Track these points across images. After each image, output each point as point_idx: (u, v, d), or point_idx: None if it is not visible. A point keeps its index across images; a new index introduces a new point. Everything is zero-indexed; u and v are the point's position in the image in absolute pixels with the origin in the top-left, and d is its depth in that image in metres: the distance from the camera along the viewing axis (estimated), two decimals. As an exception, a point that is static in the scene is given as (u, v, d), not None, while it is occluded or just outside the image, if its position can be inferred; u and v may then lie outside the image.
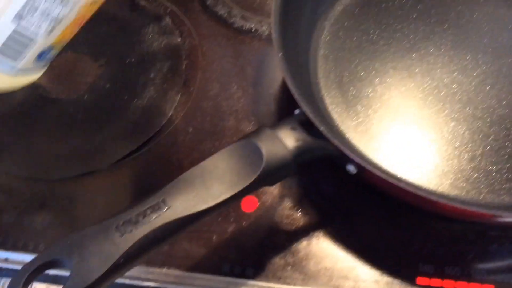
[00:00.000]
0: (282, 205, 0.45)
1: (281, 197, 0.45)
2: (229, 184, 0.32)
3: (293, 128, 0.35)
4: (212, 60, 0.53)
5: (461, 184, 0.43)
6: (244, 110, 0.49)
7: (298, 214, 0.44)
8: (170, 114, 0.49)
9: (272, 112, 0.49)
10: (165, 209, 0.30)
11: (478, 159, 0.44)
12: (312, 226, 0.44)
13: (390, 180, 0.35)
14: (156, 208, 0.30)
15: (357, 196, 0.45)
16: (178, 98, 0.50)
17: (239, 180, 0.32)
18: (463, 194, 0.42)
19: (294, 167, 0.35)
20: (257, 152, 0.33)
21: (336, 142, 0.36)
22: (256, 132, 0.34)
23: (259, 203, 0.45)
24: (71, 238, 0.30)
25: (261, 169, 0.32)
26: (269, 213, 0.44)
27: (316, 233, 0.43)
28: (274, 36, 0.42)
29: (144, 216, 0.30)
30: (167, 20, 0.55)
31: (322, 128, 0.36)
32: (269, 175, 0.33)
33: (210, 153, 0.36)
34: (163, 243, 0.31)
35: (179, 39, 0.54)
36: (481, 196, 0.42)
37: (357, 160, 0.36)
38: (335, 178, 0.46)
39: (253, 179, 0.32)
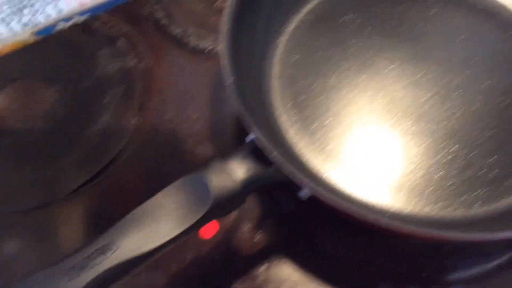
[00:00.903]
0: (242, 229, 0.45)
1: (241, 220, 0.45)
2: (178, 221, 0.32)
3: (243, 158, 0.35)
4: (168, 82, 0.52)
5: (416, 199, 0.43)
6: (202, 133, 0.49)
7: (258, 237, 0.44)
8: (126, 140, 0.49)
9: (230, 134, 0.49)
10: (113, 251, 0.30)
11: (432, 173, 0.44)
12: (272, 249, 0.44)
13: (340, 207, 0.35)
14: (103, 250, 0.30)
15: (317, 216, 0.45)
16: (134, 123, 0.50)
17: (188, 216, 0.32)
18: (417, 210, 0.42)
19: (245, 198, 0.35)
20: (206, 186, 0.33)
21: (286, 169, 0.36)
22: (205, 165, 0.34)
23: (218, 228, 0.45)
24: (18, 286, 0.29)
25: (209, 204, 0.32)
26: (229, 238, 0.44)
27: (276, 256, 0.43)
28: (224, 61, 0.42)
29: (91, 260, 0.30)
30: (121, 42, 0.54)
31: (273, 155, 0.36)
32: (219, 208, 0.33)
33: (168, 178, 0.36)
34: (114, 283, 0.31)
35: (133, 62, 0.53)
36: (434, 212, 0.42)
37: (308, 187, 0.36)
38: (295, 198, 0.46)
39: (202, 214, 0.32)
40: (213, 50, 0.54)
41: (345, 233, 0.44)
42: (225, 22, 0.44)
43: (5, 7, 0.28)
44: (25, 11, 0.29)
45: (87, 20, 0.56)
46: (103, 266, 0.30)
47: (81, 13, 0.30)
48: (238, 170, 0.35)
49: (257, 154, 0.37)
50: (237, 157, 0.35)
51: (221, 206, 0.33)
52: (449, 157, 0.45)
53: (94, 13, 0.32)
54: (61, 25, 0.30)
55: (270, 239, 0.44)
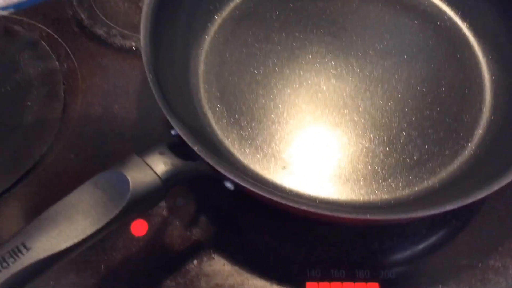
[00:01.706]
0: (173, 225, 0.44)
1: (172, 216, 0.45)
2: (95, 217, 0.31)
3: (161, 153, 0.35)
4: (93, 82, 0.51)
5: (341, 186, 0.44)
6: (128, 133, 0.49)
7: (188, 233, 0.44)
8: (50, 142, 0.48)
9: (157, 133, 0.48)
10: (25, 252, 0.29)
11: (356, 161, 0.45)
12: (204, 244, 0.44)
13: (262, 193, 0.35)
14: (15, 251, 0.29)
15: (247, 209, 0.45)
16: (58, 125, 0.48)
17: (105, 213, 0.31)
18: (343, 197, 0.43)
19: (166, 192, 0.34)
20: (123, 182, 0.32)
21: (208, 160, 0.36)
22: (123, 160, 0.34)
23: (149, 225, 0.44)
24: None
25: (127, 199, 0.32)
26: (160, 235, 0.44)
27: (207, 251, 0.43)
28: (145, 58, 0.41)
29: (3, 261, 0.29)
30: (43, 44, 0.53)
31: (194, 146, 0.36)
32: (138, 203, 0.33)
33: None
34: (28, 284, 0.30)
35: (56, 63, 0.52)
36: (361, 198, 0.43)
37: (231, 176, 0.36)
38: (225, 193, 0.46)
39: (119, 210, 0.31)
40: (138, 50, 0.53)
41: (273, 224, 0.44)
42: (144, 20, 0.44)
43: None
44: None
45: (7, 24, 0.54)
46: (14, 268, 0.29)
47: (3, 8, 0.29)
48: (158, 164, 0.34)
49: (179, 148, 0.37)
50: (157, 151, 0.35)
51: (140, 201, 0.33)
52: (372, 145, 0.46)
53: (16, 9, 0.31)
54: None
55: (202, 234, 0.44)
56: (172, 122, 0.37)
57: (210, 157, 0.36)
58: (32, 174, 0.46)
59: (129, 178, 0.32)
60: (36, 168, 0.46)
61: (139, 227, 0.44)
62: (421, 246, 0.44)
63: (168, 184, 0.34)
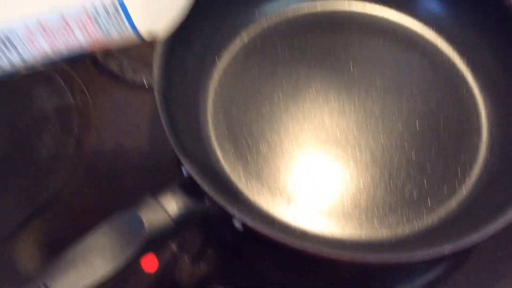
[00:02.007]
0: (182, 260, 0.46)
1: (181, 251, 0.46)
2: (111, 258, 0.33)
3: (173, 193, 0.37)
4: (106, 117, 0.53)
5: (344, 223, 0.46)
6: (140, 167, 0.50)
7: (198, 269, 0.45)
8: (65, 177, 0.50)
9: (168, 168, 0.50)
10: (46, 293, 0.31)
11: (358, 197, 0.47)
12: (213, 278, 0.45)
13: (273, 237, 0.37)
14: (36, 293, 0.31)
15: (256, 244, 0.47)
16: (72, 160, 0.50)
17: (120, 254, 0.33)
18: (346, 234, 0.45)
19: (179, 232, 0.36)
20: (138, 223, 0.34)
21: (218, 202, 0.38)
22: (138, 201, 0.36)
23: (159, 261, 0.46)
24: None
25: (142, 240, 0.34)
26: (170, 270, 0.46)
27: (217, 285, 0.45)
28: (158, 98, 0.44)
29: (26, 301, 0.31)
30: (58, 79, 0.55)
31: (205, 188, 0.38)
32: (151, 243, 0.35)
33: (107, 213, 0.37)
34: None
35: (70, 98, 0.54)
36: (362, 235, 0.45)
37: (239, 218, 0.38)
38: (234, 228, 0.48)
39: (134, 250, 0.33)
40: (149, 84, 0.56)
41: (279, 258, 0.46)
42: (157, 60, 0.46)
43: None
44: None
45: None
46: (36, 308, 0.30)
47: (44, 63, 0.31)
48: (171, 205, 0.36)
49: (191, 188, 0.39)
50: (171, 192, 0.37)
51: (154, 242, 0.35)
52: (373, 181, 0.48)
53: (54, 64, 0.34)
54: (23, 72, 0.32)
55: (211, 269, 0.46)
56: (185, 163, 0.39)
57: (222, 199, 0.38)
58: (47, 209, 0.48)
59: (144, 220, 0.34)
60: (51, 202, 0.48)
61: (149, 263, 0.46)
62: (420, 283, 0.46)
63: (179, 225, 0.36)
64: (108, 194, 0.49)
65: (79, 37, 0.30)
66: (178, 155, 0.40)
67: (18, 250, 0.47)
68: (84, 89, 0.55)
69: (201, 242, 0.47)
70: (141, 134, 0.52)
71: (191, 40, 0.51)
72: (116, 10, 0.30)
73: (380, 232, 0.46)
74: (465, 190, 0.47)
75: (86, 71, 0.56)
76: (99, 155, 0.51)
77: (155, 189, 0.38)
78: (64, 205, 0.48)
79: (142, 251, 0.34)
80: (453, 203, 0.47)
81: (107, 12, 0.29)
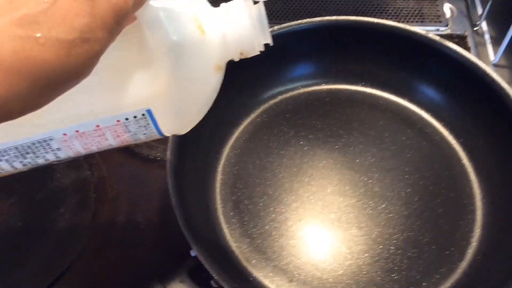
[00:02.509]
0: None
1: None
2: None
3: (181, 281, 0.40)
4: (120, 191, 0.57)
5: (344, 302, 0.48)
6: (151, 241, 0.53)
7: None
8: (80, 249, 0.52)
9: (177, 242, 0.53)
10: None
11: (357, 277, 0.49)
12: None
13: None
14: None
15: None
16: (87, 233, 0.53)
17: None
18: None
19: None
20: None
21: (224, 286, 0.40)
22: (148, 289, 0.39)
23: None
24: None
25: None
26: None
27: None
28: (170, 181, 0.47)
29: None
30: (77, 153, 0.59)
31: (212, 272, 0.41)
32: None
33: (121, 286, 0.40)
34: None
35: (88, 172, 0.58)
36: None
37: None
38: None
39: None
40: (162, 160, 0.59)
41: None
42: (171, 139, 0.49)
43: (11, 152, 0.33)
44: (28, 156, 0.33)
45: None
46: None
47: (75, 158, 0.35)
48: (179, 293, 0.39)
49: (197, 271, 0.42)
50: (178, 280, 0.40)
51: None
52: (371, 261, 0.50)
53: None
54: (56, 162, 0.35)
55: None
56: (194, 248, 0.42)
57: (226, 284, 0.41)
58: (62, 280, 0.50)
59: (154, 309, 0.37)
60: (66, 274, 0.51)
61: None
62: None
63: (188, 312, 0.39)
64: (120, 267, 0.51)
65: (110, 140, 0.33)
66: (189, 240, 0.43)
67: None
68: (101, 163, 0.58)
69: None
70: (153, 208, 0.56)
71: (203, 123, 0.55)
72: (145, 119, 0.33)
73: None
74: (460, 270, 0.50)
75: (103, 145, 0.60)
76: (112, 228, 0.54)
77: (164, 275, 0.40)
78: (79, 276, 0.51)
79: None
80: (448, 283, 0.49)
81: (136, 120, 0.33)
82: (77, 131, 0.32)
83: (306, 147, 0.58)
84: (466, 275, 0.49)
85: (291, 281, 0.49)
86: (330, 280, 0.49)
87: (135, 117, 0.32)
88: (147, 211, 0.55)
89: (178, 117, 0.34)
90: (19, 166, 0.34)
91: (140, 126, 0.33)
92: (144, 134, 0.34)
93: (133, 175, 0.58)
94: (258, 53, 0.33)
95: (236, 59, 0.34)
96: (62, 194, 0.56)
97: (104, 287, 0.50)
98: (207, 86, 0.34)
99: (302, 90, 0.62)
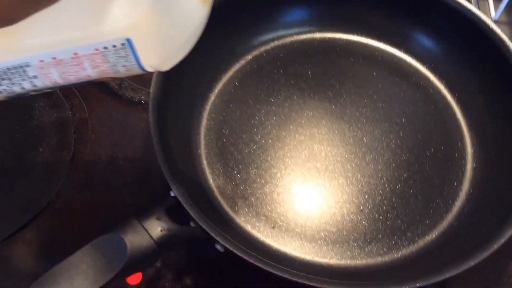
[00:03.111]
0: (165, 277, 0.47)
1: (164, 269, 0.48)
2: (93, 279, 0.34)
3: (158, 218, 0.38)
4: (102, 132, 0.55)
5: (325, 250, 0.47)
6: (133, 183, 0.52)
7: (179, 286, 0.47)
8: (58, 188, 0.51)
9: (159, 185, 0.52)
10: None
11: (342, 225, 0.48)
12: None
13: (250, 259, 0.38)
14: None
15: (238, 265, 0.48)
16: (66, 173, 0.52)
17: (103, 274, 0.34)
18: (326, 260, 0.47)
19: (160, 255, 0.38)
20: (122, 245, 0.36)
21: (203, 225, 0.39)
22: (122, 224, 0.37)
23: (142, 276, 0.47)
24: None
25: (124, 261, 0.35)
26: (152, 285, 0.47)
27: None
28: (151, 120, 0.45)
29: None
30: (58, 93, 0.57)
31: (192, 213, 0.40)
32: (134, 265, 0.36)
33: (99, 227, 0.39)
34: None
35: (69, 113, 0.56)
36: (343, 262, 0.47)
37: (222, 243, 0.39)
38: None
39: (116, 272, 0.35)
40: (147, 103, 0.57)
41: (261, 277, 0.47)
42: (154, 81, 0.47)
43: None
44: (4, 82, 0.32)
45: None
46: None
47: (52, 88, 0.33)
48: (155, 229, 0.38)
49: (176, 211, 0.41)
50: (155, 216, 0.38)
51: (136, 263, 0.36)
52: (357, 210, 0.49)
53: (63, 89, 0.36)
54: (32, 93, 0.34)
55: (193, 287, 0.47)
56: (173, 188, 0.41)
57: (204, 223, 0.39)
58: (39, 219, 0.49)
59: (127, 242, 0.36)
60: (45, 211, 0.50)
61: (133, 276, 0.47)
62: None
63: (163, 248, 0.37)
64: (99, 207, 0.50)
65: (88, 70, 0.31)
66: (167, 179, 0.41)
67: (14, 253, 0.48)
68: (83, 104, 0.57)
69: (185, 260, 0.48)
70: (135, 150, 0.54)
71: (189, 63, 0.53)
72: (125, 49, 0.31)
73: (361, 260, 0.47)
74: (446, 223, 0.49)
75: (87, 87, 0.58)
76: (93, 169, 0.53)
77: (141, 212, 0.39)
78: (57, 214, 0.50)
79: (125, 273, 0.35)
80: (433, 234, 0.48)
81: (115, 50, 0.31)
82: (54, 58, 0.30)
83: (296, 96, 0.56)
84: (452, 227, 0.48)
85: (273, 227, 0.48)
86: (313, 227, 0.48)
87: (114, 46, 0.31)
88: (129, 153, 0.54)
89: (160, 49, 0.33)
90: None
91: (119, 57, 0.31)
92: (124, 66, 0.32)
93: (116, 118, 0.56)
94: None
95: None
96: (42, 133, 0.54)
97: (82, 224, 0.49)
98: (191, 18, 0.32)
99: (295, 38, 0.60)
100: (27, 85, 0.32)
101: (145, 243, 0.37)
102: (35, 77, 0.31)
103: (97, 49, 0.30)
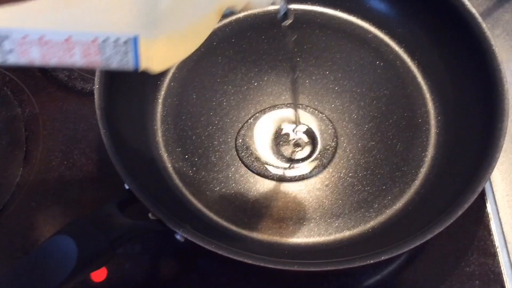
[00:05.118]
0: (132, 271, 0.46)
1: (130, 261, 0.46)
2: (44, 284, 0.33)
3: (109, 215, 0.37)
4: (54, 127, 0.53)
5: (292, 228, 0.46)
6: (89, 178, 0.50)
7: (148, 278, 0.45)
8: (12, 191, 0.49)
9: (115, 180, 0.50)
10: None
11: (307, 202, 0.47)
12: (165, 285, 0.45)
13: (208, 247, 0.37)
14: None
15: (207, 250, 0.47)
16: (20, 173, 0.50)
17: (54, 278, 0.33)
18: (292, 238, 0.45)
19: (113, 252, 0.36)
20: (70, 246, 0.34)
21: (160, 218, 0.38)
22: (70, 224, 0.35)
23: (108, 271, 0.46)
24: None
25: (73, 264, 0.33)
26: (119, 281, 0.46)
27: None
28: (98, 111, 0.43)
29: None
30: (5, 90, 0.54)
31: (148, 206, 0.38)
32: (86, 265, 0.34)
33: (55, 227, 0.37)
34: None
35: (18, 109, 0.53)
36: (310, 239, 0.45)
37: (180, 233, 0.38)
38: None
39: (67, 274, 0.33)
40: (99, 93, 0.55)
41: (231, 265, 0.46)
42: (97, 73, 0.45)
43: None
44: None
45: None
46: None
47: (20, 65, 0.30)
48: (106, 226, 0.36)
49: (130, 205, 0.39)
50: (105, 213, 0.37)
51: (88, 265, 0.35)
52: (322, 184, 0.48)
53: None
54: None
55: (162, 277, 0.46)
56: (125, 180, 0.39)
57: (160, 213, 0.38)
58: (-6, 223, 0.47)
59: (76, 243, 0.34)
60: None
61: (98, 273, 0.46)
62: (367, 284, 0.46)
63: (115, 245, 0.36)
64: (55, 206, 0.48)
65: (76, 58, 0.29)
66: (119, 171, 0.39)
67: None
68: (33, 99, 0.54)
69: (152, 252, 0.47)
70: (89, 145, 0.52)
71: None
72: (126, 46, 0.29)
73: (329, 236, 0.46)
74: (412, 190, 0.48)
75: (35, 81, 0.56)
76: (47, 167, 0.51)
77: (93, 209, 0.37)
78: (11, 219, 0.48)
79: (77, 273, 0.34)
80: (401, 203, 0.47)
81: (116, 44, 0.29)
82: (41, 37, 0.27)
83: (252, 73, 0.54)
84: (418, 194, 0.47)
85: (237, 211, 0.47)
86: (280, 204, 0.47)
87: (116, 40, 0.28)
88: (84, 147, 0.52)
89: (164, 56, 0.31)
90: None
91: (117, 52, 0.28)
92: (118, 62, 0.29)
93: (67, 110, 0.54)
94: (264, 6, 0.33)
95: (238, 8, 0.32)
96: (-10, 133, 0.52)
97: (38, 228, 0.47)
98: (204, 24, 0.31)
99: (248, 12, 0.58)
100: None
101: (97, 242, 0.35)
102: (10, 51, 0.27)
103: (95, 39, 0.28)
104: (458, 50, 0.51)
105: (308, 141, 0.50)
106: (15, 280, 0.33)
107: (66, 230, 0.35)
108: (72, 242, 0.34)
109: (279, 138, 0.50)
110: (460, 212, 0.39)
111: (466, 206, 0.39)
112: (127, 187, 0.40)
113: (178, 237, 0.40)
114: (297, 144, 0.50)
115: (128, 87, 0.49)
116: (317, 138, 0.50)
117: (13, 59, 0.28)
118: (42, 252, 0.34)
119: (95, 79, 0.44)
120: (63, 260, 0.33)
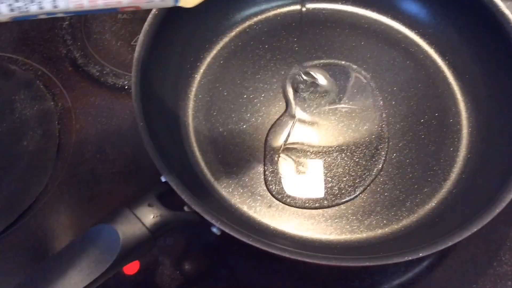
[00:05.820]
0: (163, 264, 0.46)
1: (162, 255, 0.46)
2: (87, 272, 0.33)
3: (150, 205, 0.37)
4: (86, 121, 0.53)
5: (324, 226, 0.46)
6: (121, 172, 0.50)
7: (178, 272, 0.46)
8: (45, 183, 0.50)
9: (148, 172, 0.50)
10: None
11: (339, 200, 0.47)
12: (194, 281, 0.46)
13: (246, 241, 0.37)
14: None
15: (234, 246, 0.47)
16: (52, 165, 0.50)
17: (97, 266, 0.33)
18: (325, 236, 0.46)
19: (154, 242, 0.36)
20: (114, 235, 0.34)
21: (196, 209, 0.38)
22: (113, 214, 0.36)
23: (140, 264, 0.46)
24: None
25: (117, 252, 0.34)
26: (150, 274, 0.46)
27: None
28: (136, 105, 0.43)
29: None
30: (38, 84, 0.55)
31: (184, 196, 0.38)
32: (128, 255, 0.35)
33: (88, 220, 0.37)
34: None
35: (51, 103, 0.54)
36: (342, 237, 0.46)
37: (218, 226, 0.38)
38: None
39: (110, 263, 0.33)
40: (130, 89, 0.55)
41: (261, 260, 0.46)
42: (135, 65, 0.45)
43: None
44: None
45: (4, 63, 0.56)
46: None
47: (69, 12, 0.30)
48: (147, 216, 0.36)
49: (168, 195, 0.39)
50: (146, 203, 0.37)
51: (130, 253, 0.35)
52: (354, 183, 0.48)
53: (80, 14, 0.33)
54: (42, 17, 0.31)
55: (192, 272, 0.46)
56: (163, 173, 0.39)
57: (198, 206, 0.38)
58: (27, 215, 0.48)
59: (119, 232, 0.34)
60: (32, 209, 0.48)
61: (130, 265, 0.46)
62: (398, 282, 0.46)
63: (156, 235, 0.36)
64: (88, 200, 0.49)
65: None
66: (157, 165, 0.40)
67: (3, 249, 0.47)
68: (65, 93, 0.55)
69: (183, 246, 0.47)
70: (121, 138, 0.52)
71: (171, 44, 0.51)
72: None
73: (361, 233, 0.46)
74: (444, 190, 0.48)
75: (67, 76, 0.56)
76: (80, 160, 0.51)
77: (133, 200, 0.38)
78: (44, 211, 0.48)
79: (119, 262, 0.34)
80: (432, 203, 0.47)
81: None
82: None
83: (283, 71, 0.55)
84: (451, 194, 0.47)
85: (269, 206, 0.47)
86: (311, 203, 0.47)
87: None
88: (116, 141, 0.52)
89: None
90: (5, 10, 0.29)
91: None
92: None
93: (100, 105, 0.54)
94: None
95: None
96: (25, 126, 0.53)
97: (72, 217, 0.48)
98: None
99: (278, 11, 0.58)
100: (47, 5, 0.29)
101: (138, 231, 0.35)
102: None
103: None
104: (490, 50, 0.51)
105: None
106: (59, 266, 0.33)
107: (108, 219, 0.35)
108: (115, 231, 0.34)
109: (311, 136, 0.51)
110: (497, 211, 0.39)
111: (504, 205, 0.39)
112: (163, 179, 0.40)
113: (214, 230, 0.40)
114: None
115: (162, 82, 0.49)
116: (348, 136, 0.50)
117: (62, 4, 0.28)
118: (86, 241, 0.34)
119: (132, 73, 0.45)
120: (107, 249, 0.34)
